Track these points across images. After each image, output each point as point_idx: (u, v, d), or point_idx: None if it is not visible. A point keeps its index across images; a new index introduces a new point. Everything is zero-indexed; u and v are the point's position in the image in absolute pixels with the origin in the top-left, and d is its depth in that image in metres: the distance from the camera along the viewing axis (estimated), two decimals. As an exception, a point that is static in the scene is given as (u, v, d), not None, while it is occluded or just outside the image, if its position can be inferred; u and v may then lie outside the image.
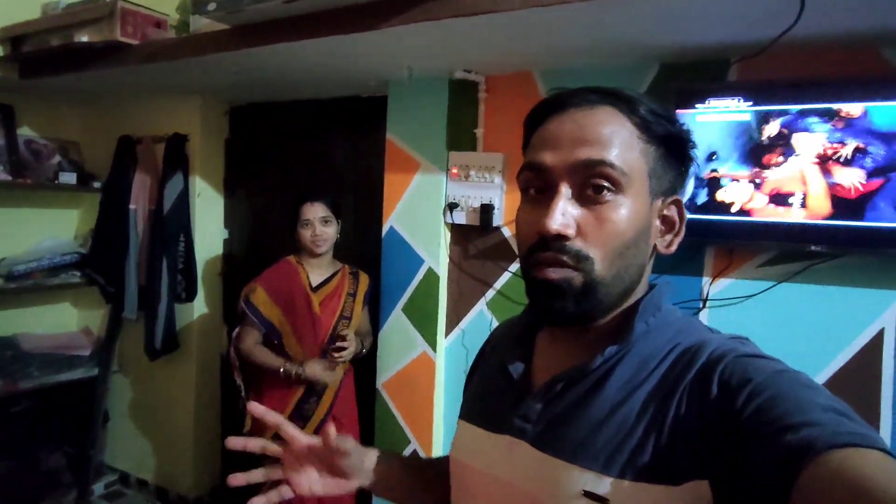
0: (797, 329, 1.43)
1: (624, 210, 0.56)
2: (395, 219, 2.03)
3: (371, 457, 0.77)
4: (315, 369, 1.88)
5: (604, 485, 0.53)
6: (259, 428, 1.90)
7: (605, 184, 0.55)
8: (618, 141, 0.56)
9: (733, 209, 1.41)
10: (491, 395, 0.69)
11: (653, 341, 0.58)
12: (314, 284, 1.98)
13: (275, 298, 1.95)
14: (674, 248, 0.62)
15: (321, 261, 2.01)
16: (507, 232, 1.86)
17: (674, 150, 0.60)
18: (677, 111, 1.44)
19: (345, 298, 2.02)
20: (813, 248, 1.34)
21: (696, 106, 1.43)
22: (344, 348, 1.89)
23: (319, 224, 1.94)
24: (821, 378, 1.40)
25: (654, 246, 0.61)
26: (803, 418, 0.44)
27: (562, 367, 0.61)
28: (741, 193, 1.40)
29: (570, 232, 0.55)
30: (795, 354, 1.40)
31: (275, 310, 1.94)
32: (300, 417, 1.90)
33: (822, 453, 0.40)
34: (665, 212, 0.61)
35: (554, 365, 0.63)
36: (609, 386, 0.57)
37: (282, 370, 1.87)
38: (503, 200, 1.84)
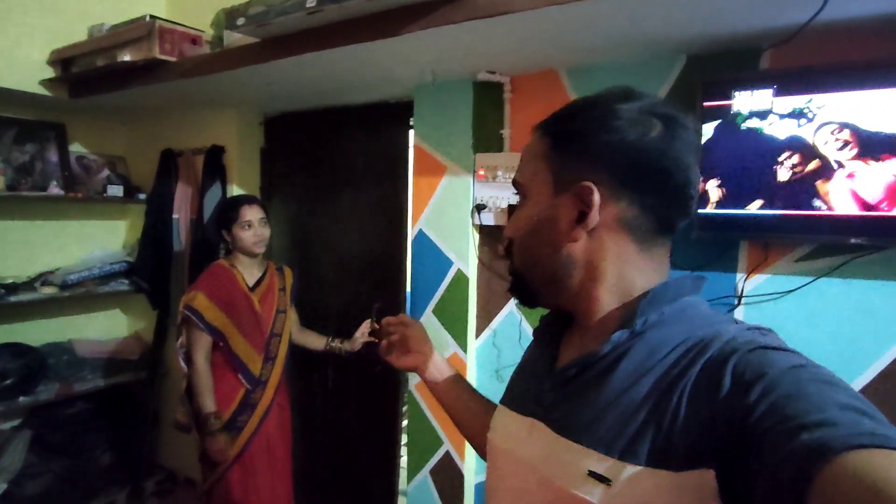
0: (839, 326, 1.37)
1: (524, 210, 0.67)
2: (424, 221, 2.05)
3: (440, 361, 0.97)
4: (219, 443, 1.92)
5: (607, 466, 0.54)
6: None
7: (517, 194, 0.70)
8: (527, 158, 0.68)
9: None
10: (522, 380, 0.76)
11: (666, 331, 0.58)
12: (250, 285, 2.04)
13: (217, 303, 1.96)
14: (577, 234, 0.62)
15: (254, 261, 2.07)
16: (535, 232, 1.85)
17: (571, 143, 0.63)
18: (704, 104, 1.41)
19: (277, 294, 2.10)
20: (853, 240, 1.29)
21: (723, 99, 1.39)
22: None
23: (259, 225, 2.00)
24: (866, 378, 1.33)
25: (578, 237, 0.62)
26: (820, 417, 0.42)
27: (578, 355, 0.64)
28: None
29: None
30: (837, 352, 1.35)
31: (218, 314, 1.96)
32: (234, 428, 2.00)
33: (840, 454, 0.39)
34: (570, 202, 0.62)
35: (573, 354, 0.67)
36: (618, 372, 0.58)
37: (206, 417, 1.92)
38: (530, 200, 1.82)
